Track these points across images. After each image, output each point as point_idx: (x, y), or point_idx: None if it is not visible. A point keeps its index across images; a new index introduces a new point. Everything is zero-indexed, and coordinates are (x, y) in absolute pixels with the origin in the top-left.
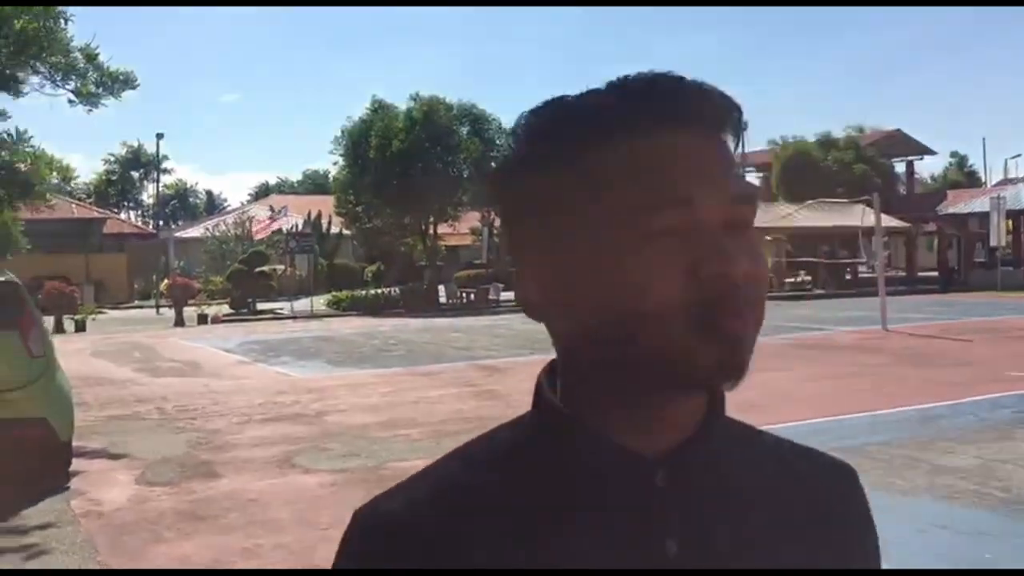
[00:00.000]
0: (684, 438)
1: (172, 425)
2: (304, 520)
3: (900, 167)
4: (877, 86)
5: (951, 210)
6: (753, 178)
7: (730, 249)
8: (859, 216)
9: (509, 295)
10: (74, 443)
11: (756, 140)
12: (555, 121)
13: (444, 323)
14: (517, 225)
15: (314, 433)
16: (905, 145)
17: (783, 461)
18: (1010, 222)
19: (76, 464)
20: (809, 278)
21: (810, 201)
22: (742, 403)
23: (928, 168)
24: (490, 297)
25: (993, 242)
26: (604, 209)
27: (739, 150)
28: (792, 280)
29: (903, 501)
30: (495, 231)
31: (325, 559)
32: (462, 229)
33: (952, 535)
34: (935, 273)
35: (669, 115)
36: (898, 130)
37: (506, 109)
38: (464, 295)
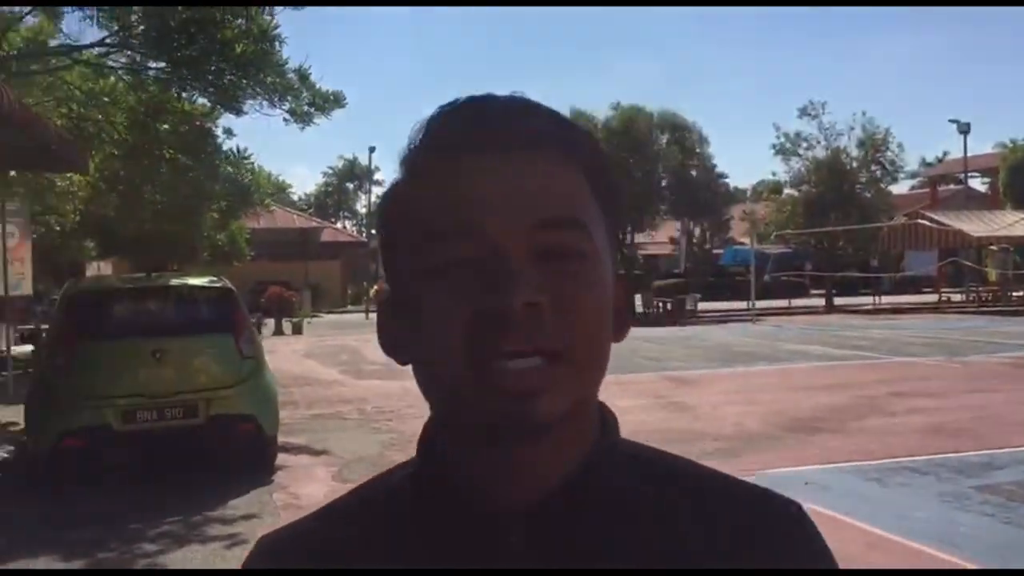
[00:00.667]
0: (561, 484)
1: (370, 426)
2: None
3: None
4: None
5: None
6: (977, 183)
7: (512, 278)
8: None
9: (708, 305)
10: (280, 439)
11: (982, 143)
12: (412, 138)
13: (638, 332)
14: (381, 246)
15: None
16: None
17: (694, 495)
18: None
19: (281, 459)
20: None
21: None
22: (949, 426)
23: None
24: (687, 307)
25: None
26: (404, 238)
27: (566, 167)
28: (1021, 294)
29: None
30: (694, 240)
31: None
32: (661, 238)
33: None
34: None
35: (467, 139)
36: None
37: (710, 117)
38: (661, 305)
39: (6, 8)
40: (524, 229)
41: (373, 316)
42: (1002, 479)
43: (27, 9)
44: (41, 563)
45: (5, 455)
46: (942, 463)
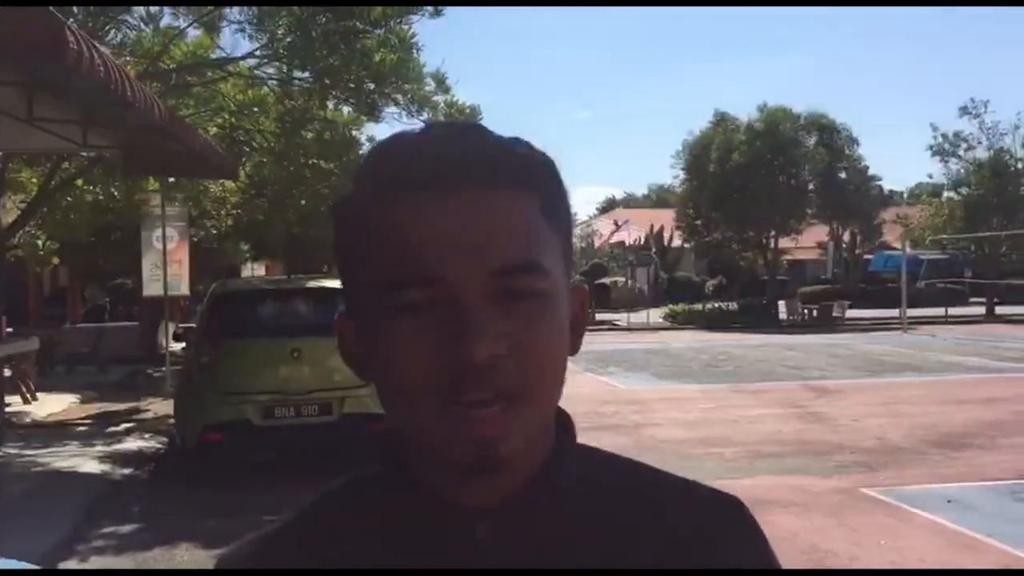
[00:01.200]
0: (525, 480)
1: None
2: None
3: None
4: None
5: None
6: None
7: (475, 330)
8: None
9: (856, 313)
10: None
11: None
12: (364, 166)
13: (781, 340)
14: (340, 267)
15: (628, 445)
16: None
17: (644, 495)
18: None
19: None
20: None
21: None
22: None
23: None
24: (834, 315)
25: None
26: (367, 274)
27: (542, 207)
28: None
29: None
30: (843, 245)
31: None
32: (807, 243)
33: None
34: None
35: (431, 174)
36: None
37: (861, 117)
38: (807, 312)
39: (169, 22)
40: (484, 276)
41: None
42: None
43: (189, 22)
44: (181, 551)
45: (159, 447)
46: None
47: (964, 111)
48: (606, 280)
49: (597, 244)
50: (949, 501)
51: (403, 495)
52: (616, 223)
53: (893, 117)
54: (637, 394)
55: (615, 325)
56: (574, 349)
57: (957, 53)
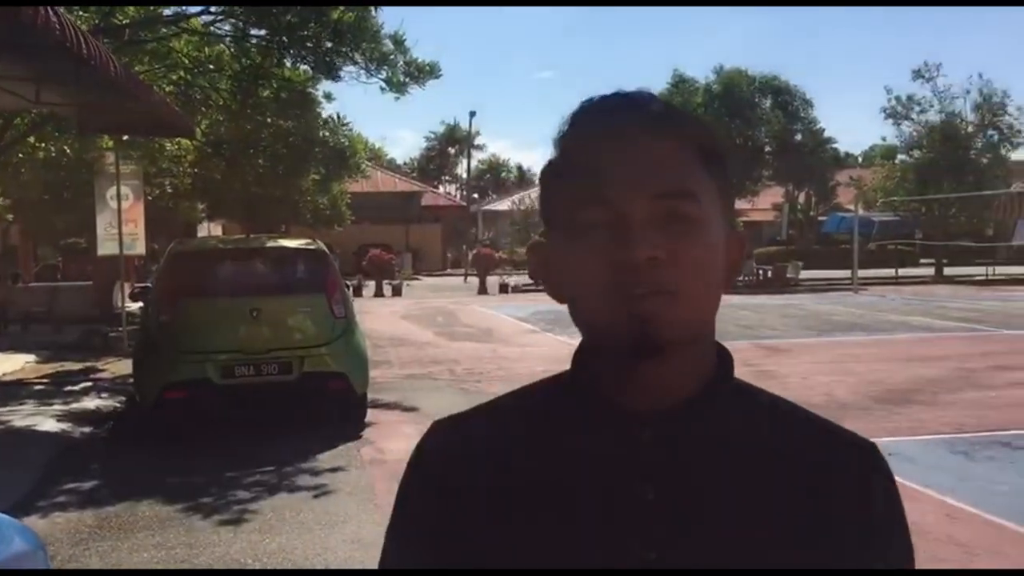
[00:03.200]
0: (684, 399)
1: (459, 386)
2: None
3: None
4: None
5: None
6: None
7: (637, 238)
8: None
9: (809, 274)
10: (371, 397)
11: None
12: (563, 126)
13: (735, 300)
14: (541, 206)
15: None
16: None
17: (789, 429)
18: None
19: (371, 415)
20: None
21: None
22: None
23: None
24: (788, 275)
25: None
26: (556, 204)
27: (687, 149)
28: None
29: None
30: (798, 206)
31: None
32: (763, 204)
33: None
34: None
35: (600, 124)
36: None
37: (816, 80)
38: (761, 272)
39: None
40: (646, 199)
41: (472, 279)
42: None
43: None
44: (143, 507)
45: (118, 406)
46: None
47: (917, 74)
48: None
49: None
50: (890, 454)
51: (582, 397)
52: None
53: (848, 80)
54: None
55: None
56: (728, 285)
57: (912, 16)
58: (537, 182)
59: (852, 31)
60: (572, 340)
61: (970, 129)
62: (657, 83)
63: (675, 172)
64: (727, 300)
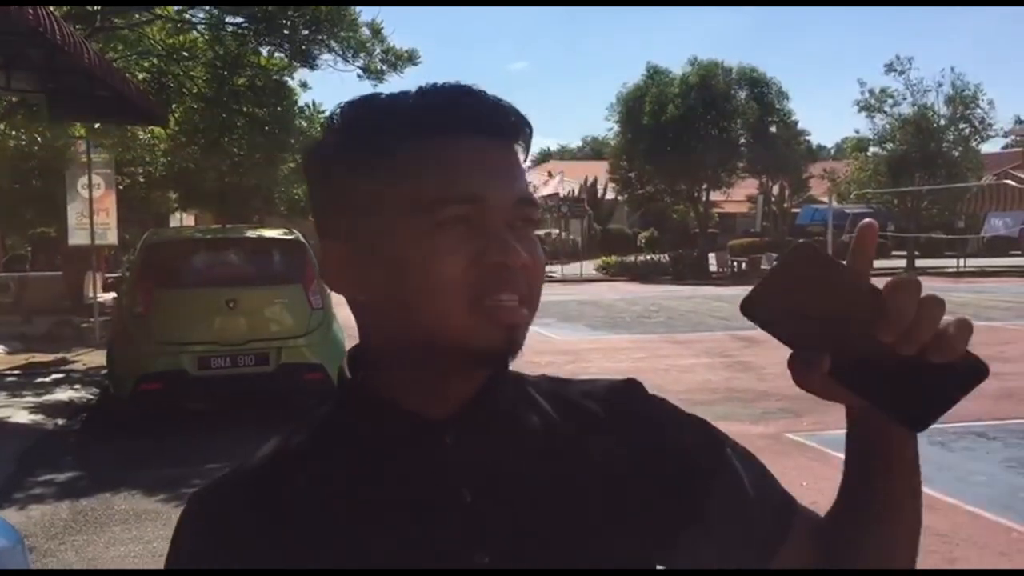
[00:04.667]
0: (469, 399)
1: None
2: None
3: None
4: None
5: None
6: None
7: (511, 242)
8: None
9: None
10: None
11: None
12: (371, 116)
13: (711, 292)
14: (322, 208)
15: None
16: None
17: (567, 399)
18: None
19: None
20: None
21: None
22: (1022, 392)
23: None
24: (763, 267)
25: None
26: (402, 196)
27: (526, 160)
28: None
29: None
30: (772, 198)
31: None
32: (737, 196)
33: None
34: None
35: (471, 122)
36: None
37: (791, 72)
38: (736, 264)
39: None
40: (511, 202)
41: None
42: None
43: None
44: (119, 500)
45: (91, 397)
46: (1012, 429)
47: (890, 68)
48: (540, 232)
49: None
50: None
51: (377, 412)
52: (550, 174)
53: (823, 72)
54: (571, 344)
55: (549, 277)
56: None
57: (884, 10)
58: (303, 168)
59: (827, 26)
60: (548, 333)
61: (942, 122)
62: (633, 74)
63: (524, 177)
64: (702, 291)
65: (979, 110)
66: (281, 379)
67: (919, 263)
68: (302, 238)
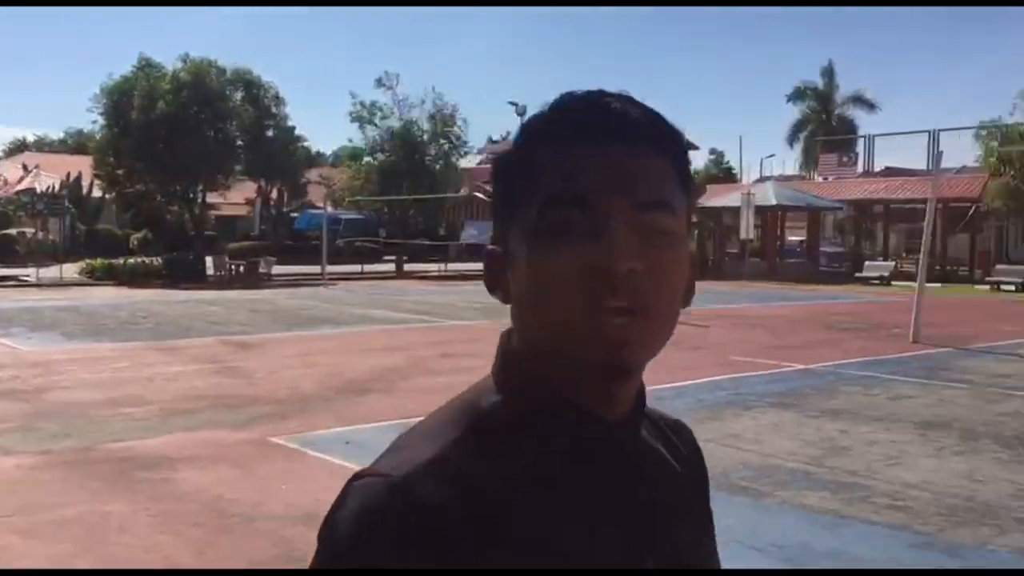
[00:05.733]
0: (631, 402)
1: None
2: None
3: None
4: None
5: (708, 204)
6: None
7: (621, 246)
8: None
9: (282, 269)
10: None
11: None
12: (528, 126)
13: (205, 296)
14: (496, 210)
15: (27, 411)
16: None
17: (659, 427)
18: (760, 217)
19: None
20: None
21: None
22: None
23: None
24: (261, 270)
25: (743, 235)
26: (523, 202)
27: (670, 161)
28: None
29: None
30: (271, 202)
31: None
32: (236, 199)
33: None
34: None
35: (590, 130)
36: None
37: (288, 79)
38: (234, 267)
39: None
40: (628, 207)
41: None
42: None
43: None
44: None
45: None
46: None
47: (379, 83)
48: (12, 231)
49: (0, 191)
50: (347, 443)
51: (567, 411)
52: (25, 167)
53: (321, 82)
54: (42, 355)
55: (22, 281)
56: (686, 303)
57: (376, 25)
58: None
59: (322, 38)
60: (13, 344)
61: (425, 137)
62: (121, 64)
63: (656, 182)
64: (196, 296)
65: (457, 128)
66: None
67: (407, 267)
68: None
